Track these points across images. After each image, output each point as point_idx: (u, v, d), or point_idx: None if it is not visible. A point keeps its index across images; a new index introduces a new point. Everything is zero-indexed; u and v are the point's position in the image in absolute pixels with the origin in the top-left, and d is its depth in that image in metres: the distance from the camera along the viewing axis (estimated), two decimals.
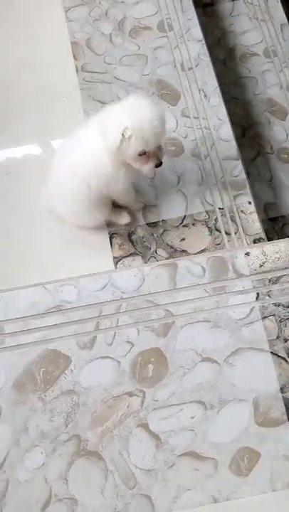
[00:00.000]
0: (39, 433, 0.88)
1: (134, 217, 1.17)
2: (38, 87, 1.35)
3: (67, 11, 1.43)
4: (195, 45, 1.38)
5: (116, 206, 1.14)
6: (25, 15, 1.45)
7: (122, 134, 0.88)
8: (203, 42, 1.38)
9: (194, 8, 1.43)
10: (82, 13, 1.42)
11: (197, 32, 1.39)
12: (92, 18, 1.42)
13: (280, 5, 1.60)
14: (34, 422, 0.89)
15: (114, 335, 0.95)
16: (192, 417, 0.89)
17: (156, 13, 1.42)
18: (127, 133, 0.88)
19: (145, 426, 0.89)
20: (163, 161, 0.96)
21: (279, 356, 0.91)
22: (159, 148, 0.95)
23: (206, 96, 1.31)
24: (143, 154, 0.92)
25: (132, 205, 1.16)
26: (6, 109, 1.34)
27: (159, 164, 0.95)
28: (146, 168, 0.95)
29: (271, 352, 0.92)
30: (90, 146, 0.96)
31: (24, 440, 0.88)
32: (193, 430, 0.88)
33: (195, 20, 1.41)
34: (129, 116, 0.88)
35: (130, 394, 0.91)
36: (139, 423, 0.89)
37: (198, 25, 1.40)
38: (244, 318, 0.94)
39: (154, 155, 0.94)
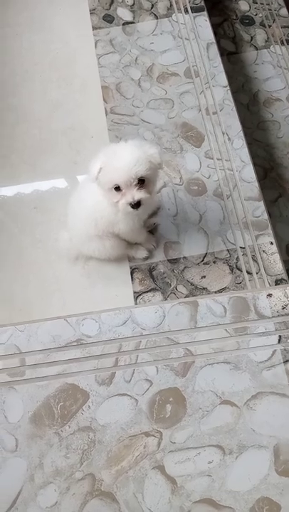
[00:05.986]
0: (54, 469, 0.87)
1: (152, 253, 1.19)
2: (69, 126, 1.42)
3: (99, 58, 1.51)
4: (220, 91, 1.43)
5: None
6: (60, 60, 1.54)
7: (99, 167, 0.93)
8: (228, 88, 1.43)
9: (219, 56, 1.49)
10: (113, 60, 1.51)
11: (222, 78, 1.45)
12: (123, 64, 1.50)
13: None
14: (49, 457, 0.88)
15: (133, 372, 0.94)
16: (210, 462, 0.86)
17: (183, 61, 1.49)
18: (102, 165, 0.93)
19: (161, 468, 0.87)
20: (144, 202, 0.94)
21: None
22: (136, 186, 0.93)
23: (229, 139, 1.35)
24: (118, 189, 0.94)
25: (143, 245, 1.19)
26: (37, 145, 1.40)
27: (135, 205, 0.93)
28: (120, 204, 0.95)
29: None
30: (93, 189, 1.01)
31: (39, 476, 0.87)
32: (210, 476, 0.85)
33: (220, 68, 1.47)
34: (106, 152, 0.95)
35: (147, 434, 0.89)
36: (155, 465, 0.87)
37: (223, 72, 1.46)
38: (265, 361, 0.93)
39: (128, 192, 0.94)
